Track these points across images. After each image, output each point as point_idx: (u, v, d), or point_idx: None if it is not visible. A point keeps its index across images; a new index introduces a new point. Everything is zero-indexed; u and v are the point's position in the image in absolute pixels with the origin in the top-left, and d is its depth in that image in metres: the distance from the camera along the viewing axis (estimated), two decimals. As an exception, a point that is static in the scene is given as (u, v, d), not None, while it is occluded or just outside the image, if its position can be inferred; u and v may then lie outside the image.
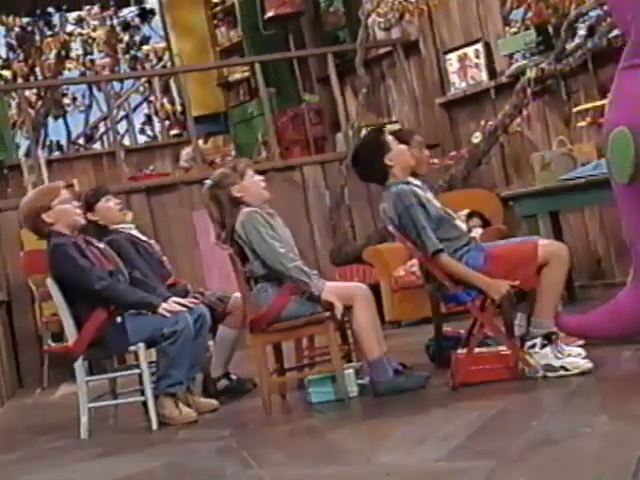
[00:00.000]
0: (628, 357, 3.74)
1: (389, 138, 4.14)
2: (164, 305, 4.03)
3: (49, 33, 12.06)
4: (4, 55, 11.77)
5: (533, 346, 3.77)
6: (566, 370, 3.63)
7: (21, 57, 11.70)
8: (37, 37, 11.87)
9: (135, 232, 4.73)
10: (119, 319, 4.03)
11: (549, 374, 3.66)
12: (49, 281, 4.04)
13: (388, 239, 6.29)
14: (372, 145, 4.14)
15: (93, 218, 4.58)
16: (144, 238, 4.77)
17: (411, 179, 4.11)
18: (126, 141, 12.08)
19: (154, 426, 3.99)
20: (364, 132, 7.30)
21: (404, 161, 4.10)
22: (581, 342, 4.05)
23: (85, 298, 4.03)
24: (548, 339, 3.78)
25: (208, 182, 4.16)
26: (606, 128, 3.93)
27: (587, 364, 3.63)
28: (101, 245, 4.28)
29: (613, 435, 2.66)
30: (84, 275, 4.00)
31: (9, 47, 11.79)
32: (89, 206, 4.60)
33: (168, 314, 4.00)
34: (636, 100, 3.71)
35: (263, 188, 4.16)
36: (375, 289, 5.85)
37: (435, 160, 6.96)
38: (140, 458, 3.56)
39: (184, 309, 4.05)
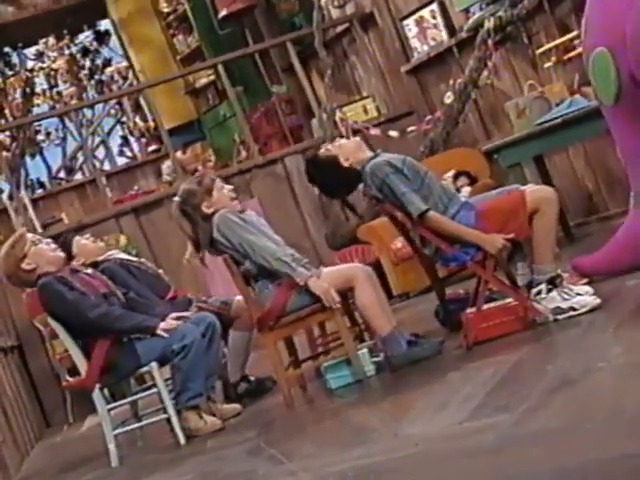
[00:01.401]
0: (633, 287, 3.74)
1: (323, 150, 4.19)
2: (162, 325, 4.04)
3: (10, 73, 12.01)
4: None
5: (539, 292, 3.78)
6: (575, 310, 3.64)
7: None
8: (-1, 79, 11.83)
9: (123, 255, 4.75)
10: (125, 339, 4.04)
11: (559, 317, 3.66)
12: (50, 319, 4.06)
13: (381, 214, 6.29)
14: (325, 168, 4.14)
15: (79, 263, 4.59)
16: (134, 259, 4.78)
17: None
18: (106, 166, 12.08)
19: (182, 441, 4.00)
20: (339, 115, 7.31)
21: (350, 149, 4.11)
22: (585, 280, 4.06)
23: (86, 329, 4.03)
24: (553, 283, 3.79)
25: (176, 199, 4.16)
26: (585, 53, 3.92)
27: (595, 300, 3.64)
28: (89, 270, 4.29)
29: (628, 365, 2.66)
30: (76, 308, 4.01)
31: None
32: (68, 254, 4.59)
33: (166, 334, 4.02)
34: (612, 20, 3.70)
35: (232, 198, 4.16)
36: (377, 266, 5.86)
37: (412, 128, 6.97)
38: (173, 474, 3.58)
39: (182, 323, 4.05)
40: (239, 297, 4.39)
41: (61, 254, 4.24)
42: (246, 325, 4.49)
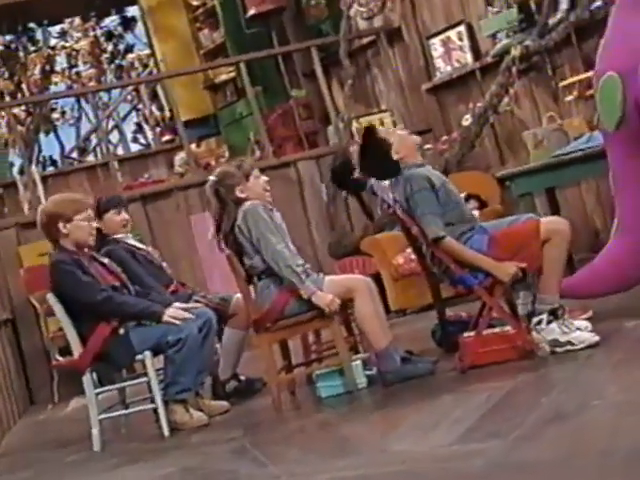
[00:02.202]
0: (632, 328, 3.73)
1: (383, 130, 4.13)
2: (168, 312, 4.03)
3: (33, 49, 12.04)
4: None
5: (539, 322, 3.77)
6: (572, 345, 3.63)
7: (6, 75, 11.68)
8: (21, 54, 11.85)
9: (132, 241, 4.73)
10: (122, 331, 4.02)
11: (556, 349, 3.65)
12: (49, 296, 4.04)
13: (386, 228, 6.28)
14: (376, 146, 4.04)
15: (96, 225, 4.56)
16: (142, 246, 4.77)
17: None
18: (119, 151, 12.09)
19: (166, 433, 3.98)
20: (355, 125, 7.30)
21: (407, 147, 4.09)
22: (586, 315, 4.05)
23: (88, 312, 4.01)
24: (554, 315, 3.78)
25: (212, 178, 4.14)
26: (596, 77, 3.93)
27: (593, 337, 3.63)
28: (105, 260, 4.27)
29: (624, 404, 2.65)
30: (85, 289, 3.99)
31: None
32: (98, 214, 4.57)
33: (174, 321, 4.00)
34: (627, 47, 3.71)
35: (266, 190, 4.14)
36: (377, 279, 5.84)
37: (428, 145, 6.97)
38: (154, 465, 3.56)
39: (188, 315, 4.04)
40: (238, 294, 4.38)
41: (91, 242, 4.19)
42: (242, 324, 4.48)
